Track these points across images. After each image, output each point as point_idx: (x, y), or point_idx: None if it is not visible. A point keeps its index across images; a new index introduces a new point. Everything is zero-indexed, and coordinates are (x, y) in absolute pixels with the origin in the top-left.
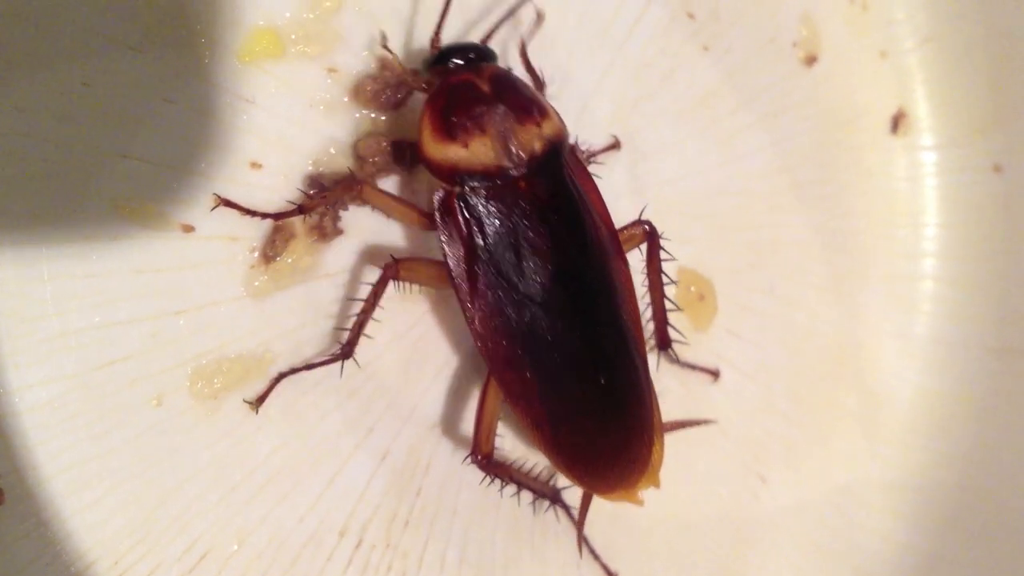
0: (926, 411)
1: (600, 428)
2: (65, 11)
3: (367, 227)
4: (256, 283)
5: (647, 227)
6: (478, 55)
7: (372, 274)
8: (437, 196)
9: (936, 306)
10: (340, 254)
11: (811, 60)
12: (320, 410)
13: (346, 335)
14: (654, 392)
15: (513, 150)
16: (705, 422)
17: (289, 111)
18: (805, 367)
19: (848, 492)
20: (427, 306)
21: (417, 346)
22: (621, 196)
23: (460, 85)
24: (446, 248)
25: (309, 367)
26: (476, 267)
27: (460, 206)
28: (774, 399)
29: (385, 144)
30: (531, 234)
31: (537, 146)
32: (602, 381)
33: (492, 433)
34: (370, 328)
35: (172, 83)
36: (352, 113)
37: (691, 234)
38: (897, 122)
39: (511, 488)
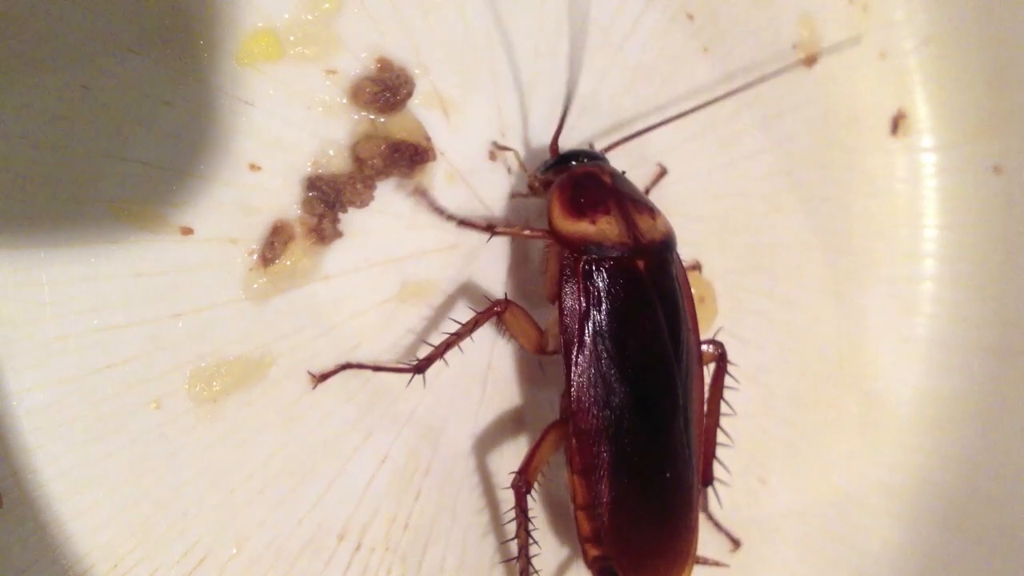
0: (926, 413)
1: (655, 520)
2: (63, 14)
3: (367, 229)
4: (255, 285)
5: (719, 349)
6: (592, 157)
7: (374, 276)
8: (567, 262)
9: (936, 307)
10: (340, 256)
11: (811, 61)
12: (319, 413)
13: (425, 349)
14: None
15: (634, 232)
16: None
17: (288, 113)
18: (805, 369)
19: (848, 494)
20: (425, 310)
21: (417, 348)
22: None
23: (586, 175)
24: (565, 310)
25: (377, 369)
26: (587, 332)
27: (584, 272)
28: (774, 401)
29: (384, 147)
30: (641, 316)
31: (654, 234)
32: (667, 475)
33: (539, 469)
34: (373, 330)
35: (171, 85)
36: (351, 115)
37: (691, 236)
38: (897, 123)
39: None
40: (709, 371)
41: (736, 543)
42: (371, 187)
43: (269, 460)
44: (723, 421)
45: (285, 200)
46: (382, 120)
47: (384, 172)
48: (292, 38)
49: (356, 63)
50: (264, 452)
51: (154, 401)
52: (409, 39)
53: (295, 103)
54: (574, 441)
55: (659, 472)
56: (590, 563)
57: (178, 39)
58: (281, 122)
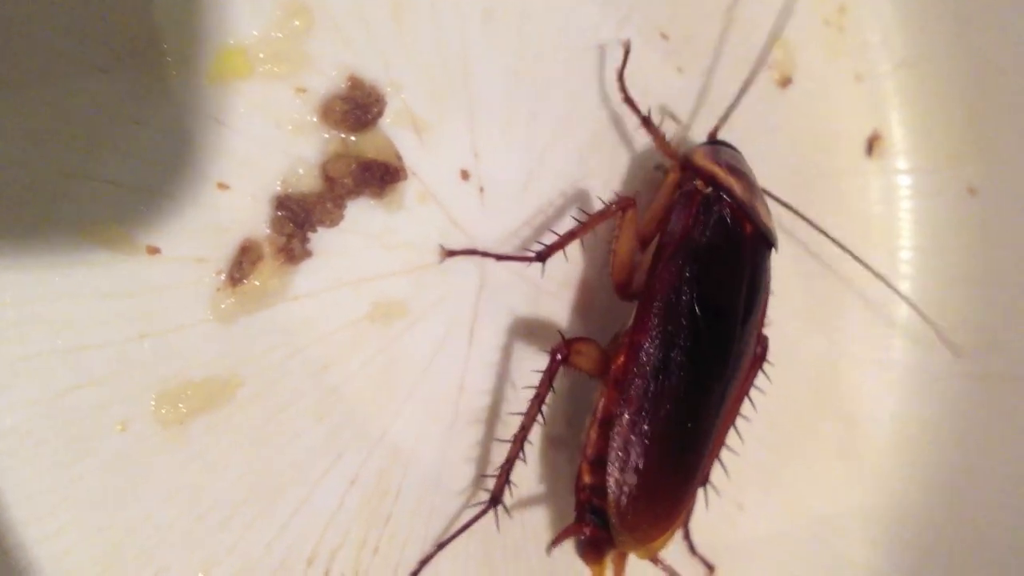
0: (904, 437)
1: (660, 483)
2: (32, 32)
3: (337, 249)
4: (223, 306)
5: (762, 344)
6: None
7: (344, 296)
8: (686, 183)
9: (913, 329)
10: (309, 276)
11: (786, 82)
12: (287, 435)
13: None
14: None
15: (752, 207)
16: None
17: (257, 131)
18: (782, 393)
19: (826, 519)
20: (399, 328)
21: (387, 370)
22: None
23: (735, 156)
24: (666, 234)
25: (500, 258)
26: (677, 263)
27: (701, 202)
28: (751, 425)
29: (354, 166)
30: (727, 276)
31: (767, 222)
32: (686, 443)
33: (580, 355)
34: (342, 352)
35: (140, 104)
36: (321, 134)
37: None
38: (872, 145)
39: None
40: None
41: (711, 568)
42: (341, 206)
43: (237, 483)
44: None
45: (254, 219)
46: (353, 139)
47: (355, 191)
48: (262, 56)
49: (326, 81)
50: (232, 475)
51: (120, 423)
52: (381, 57)
53: (265, 121)
54: (609, 388)
55: (681, 440)
56: (579, 505)
57: (148, 58)
58: (250, 140)
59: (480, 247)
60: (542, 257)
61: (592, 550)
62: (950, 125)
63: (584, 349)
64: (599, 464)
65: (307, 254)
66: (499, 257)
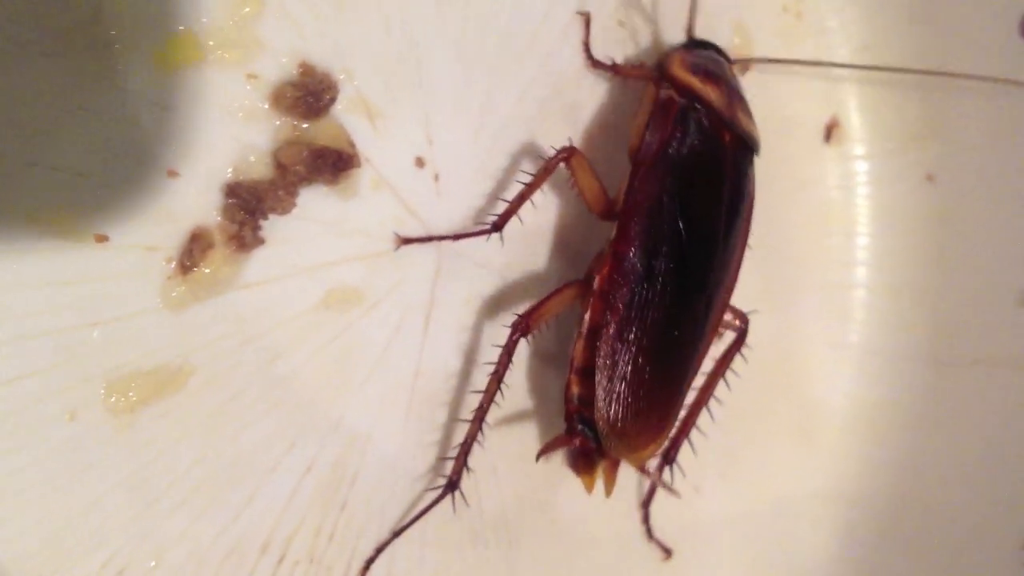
0: (860, 420)
1: (647, 393)
2: None
3: (290, 236)
4: (173, 294)
5: (742, 323)
6: (721, 53)
7: (298, 284)
8: (663, 95)
9: (869, 315)
10: (262, 264)
11: (744, 69)
12: (241, 422)
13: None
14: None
15: (732, 114)
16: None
17: (208, 118)
18: (738, 376)
19: (782, 502)
20: (354, 315)
21: (342, 357)
22: None
23: (713, 56)
24: (643, 148)
25: (456, 237)
26: (656, 176)
27: (677, 114)
28: (707, 408)
29: (306, 153)
30: (708, 186)
31: (747, 127)
32: (674, 354)
33: (543, 319)
34: (296, 339)
35: (87, 90)
36: (273, 121)
37: None
38: (830, 131)
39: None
40: (723, 343)
41: (668, 552)
42: (293, 194)
43: (189, 471)
44: None
45: (205, 207)
46: (305, 126)
47: (307, 178)
48: (212, 43)
49: (278, 68)
50: (184, 463)
51: (69, 412)
52: (332, 43)
53: (215, 108)
54: (594, 299)
55: (667, 349)
56: (568, 417)
57: (95, 43)
58: (200, 127)
59: (435, 232)
60: (497, 227)
61: (583, 461)
62: (908, 112)
63: (548, 308)
64: (587, 375)
65: (259, 242)
66: (455, 237)
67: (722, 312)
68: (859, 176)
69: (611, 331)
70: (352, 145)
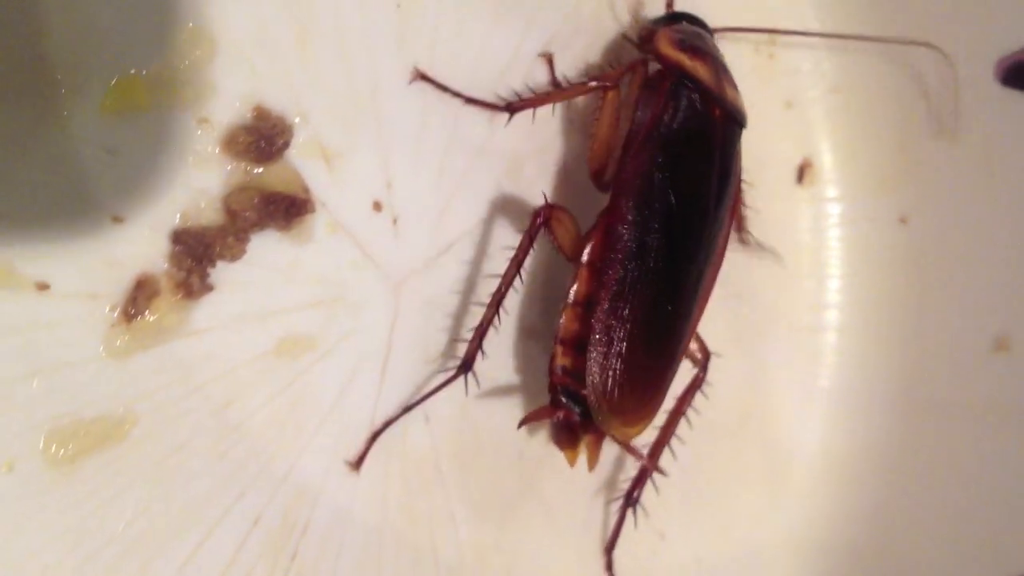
0: (830, 466)
1: (643, 358)
2: None
3: (241, 282)
4: (117, 342)
5: (703, 358)
6: (703, 27)
7: (248, 331)
8: (653, 70)
9: (841, 359)
10: (210, 311)
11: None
12: (187, 472)
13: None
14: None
15: (720, 89)
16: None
17: (156, 163)
18: (706, 420)
19: (750, 549)
20: (306, 363)
21: (294, 406)
22: None
23: (696, 32)
24: (635, 123)
25: (469, 99)
26: (647, 152)
27: (668, 91)
28: (674, 451)
29: (257, 199)
30: (698, 161)
31: (735, 101)
32: (663, 328)
33: (561, 227)
34: (245, 387)
35: (30, 134)
36: (224, 165)
37: None
38: (803, 172)
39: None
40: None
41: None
42: (244, 240)
43: (132, 523)
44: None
45: (151, 253)
46: (258, 170)
47: (259, 224)
48: (162, 86)
49: (230, 111)
50: (125, 516)
51: (6, 464)
52: (289, 85)
53: (164, 152)
54: (582, 270)
55: (659, 322)
56: (552, 388)
57: (38, 86)
58: (148, 172)
59: (393, 279)
60: (512, 108)
61: (566, 435)
62: (881, 153)
63: (564, 219)
64: (573, 346)
65: (207, 288)
66: (467, 100)
67: (711, 285)
68: (831, 218)
69: (604, 306)
70: (306, 190)
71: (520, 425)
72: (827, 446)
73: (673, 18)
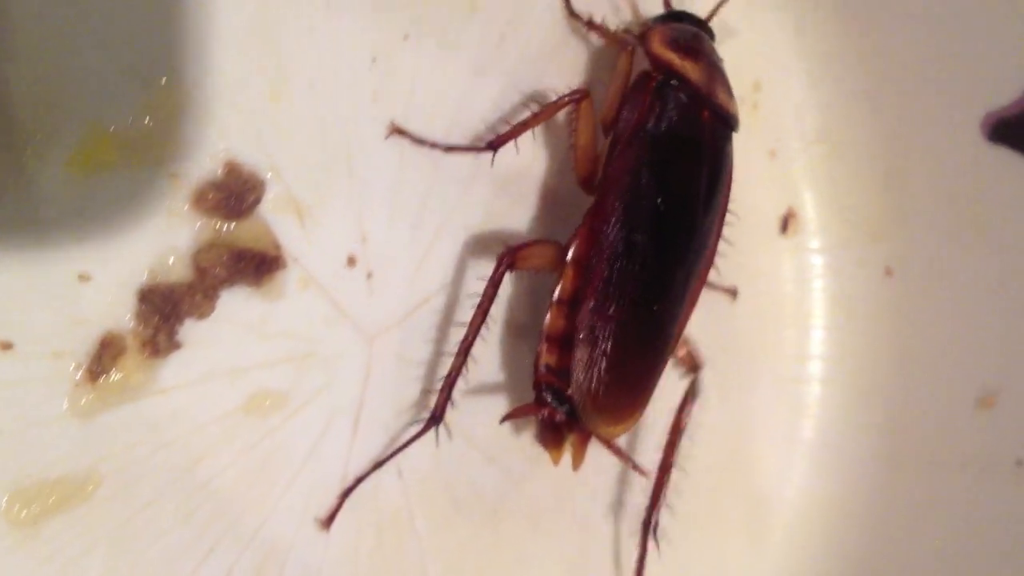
0: (812, 515)
1: (630, 358)
2: None
3: (210, 339)
4: (82, 401)
5: (694, 371)
6: (701, 26)
7: (217, 388)
8: (641, 78)
9: (824, 410)
10: (178, 368)
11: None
12: (154, 532)
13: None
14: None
15: (710, 90)
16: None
17: (124, 220)
18: (687, 468)
19: None
20: (277, 420)
21: (264, 463)
22: None
23: (692, 32)
24: (621, 121)
25: (449, 149)
26: (634, 152)
27: (655, 89)
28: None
29: (226, 256)
30: (686, 163)
31: (726, 104)
32: (650, 330)
33: (527, 262)
34: (214, 445)
35: None
36: (193, 222)
37: None
38: (787, 222)
39: None
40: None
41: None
42: (213, 298)
43: None
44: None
45: (118, 311)
46: (231, 226)
47: (228, 281)
48: (132, 141)
49: (201, 167)
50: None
51: None
52: (261, 140)
53: (132, 209)
54: (569, 268)
55: (646, 323)
56: (537, 385)
57: (4, 142)
58: (116, 229)
59: (367, 333)
60: (494, 146)
61: (550, 433)
62: (866, 204)
63: (535, 251)
64: (559, 344)
65: (175, 346)
66: (447, 148)
67: (701, 286)
68: (815, 268)
69: (590, 305)
70: (278, 246)
71: (503, 420)
72: (809, 496)
73: (674, 17)
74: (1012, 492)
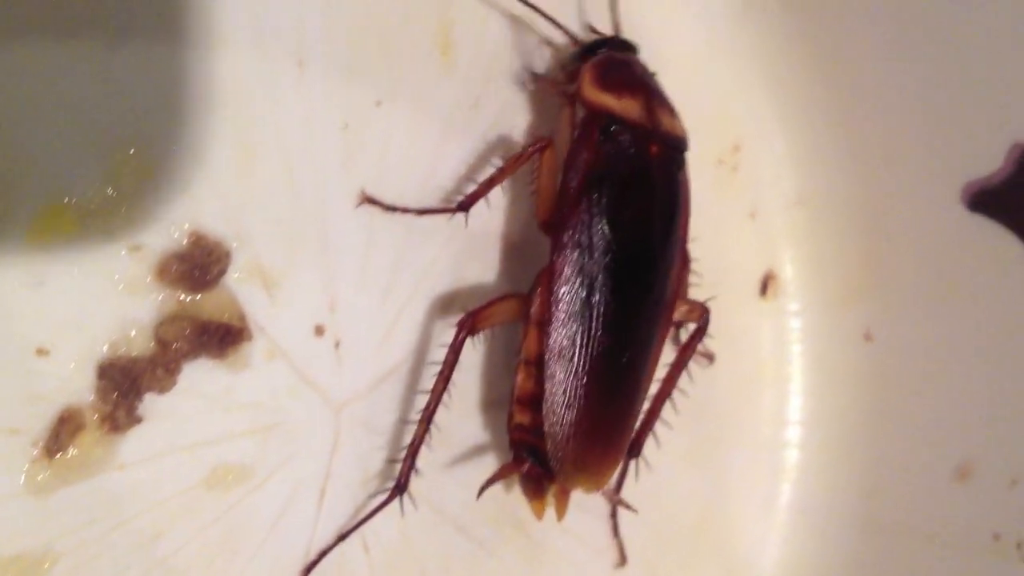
0: None
1: (595, 421)
2: None
3: (171, 412)
4: (38, 478)
5: (703, 316)
6: (625, 48)
7: (178, 463)
8: (584, 128)
9: (801, 476)
10: (138, 443)
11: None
12: None
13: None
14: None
15: (653, 120)
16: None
17: (84, 292)
18: (661, 534)
19: None
20: (240, 493)
21: (226, 537)
22: None
23: (622, 59)
24: (569, 175)
25: (421, 212)
26: (584, 202)
27: (599, 139)
28: (627, 569)
29: (189, 329)
30: (639, 201)
31: (671, 129)
32: (619, 380)
33: (488, 323)
34: (175, 520)
35: None
36: (156, 294)
37: None
38: (766, 285)
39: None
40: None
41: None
42: (174, 372)
43: None
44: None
45: (77, 386)
46: (195, 298)
47: (191, 354)
48: (92, 212)
49: (165, 238)
50: None
51: None
52: (227, 209)
53: (93, 281)
54: (533, 329)
55: (615, 375)
56: (513, 444)
57: None
58: (76, 302)
59: (334, 403)
60: (464, 207)
61: (532, 486)
62: (846, 267)
63: (495, 310)
64: (529, 405)
65: (136, 420)
66: (419, 212)
67: (668, 323)
68: (794, 332)
69: (554, 364)
70: (243, 318)
71: (482, 490)
72: (786, 562)
73: (594, 50)
74: (989, 566)
